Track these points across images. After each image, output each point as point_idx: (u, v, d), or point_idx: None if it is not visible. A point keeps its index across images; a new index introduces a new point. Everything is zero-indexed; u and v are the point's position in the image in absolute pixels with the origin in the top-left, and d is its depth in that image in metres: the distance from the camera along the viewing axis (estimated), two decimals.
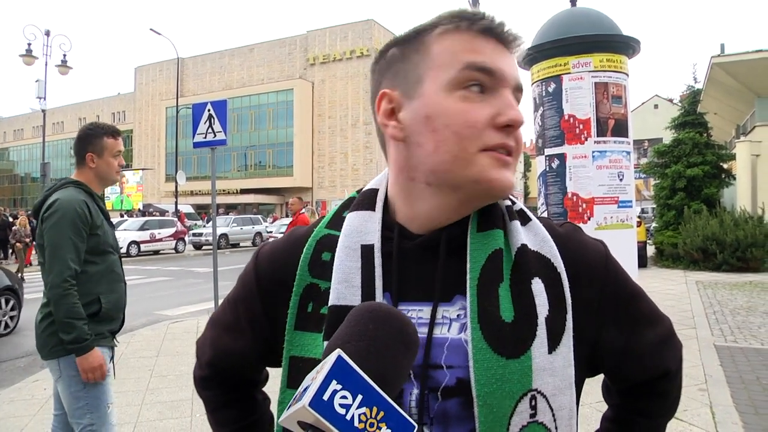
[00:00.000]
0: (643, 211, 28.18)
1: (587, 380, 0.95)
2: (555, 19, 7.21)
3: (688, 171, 16.38)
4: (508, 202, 0.92)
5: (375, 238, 0.87)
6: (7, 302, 8.98)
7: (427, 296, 0.84)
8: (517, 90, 0.85)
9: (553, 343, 0.80)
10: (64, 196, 2.65)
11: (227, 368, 1.02)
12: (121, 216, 35.92)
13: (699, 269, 13.89)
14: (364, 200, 0.93)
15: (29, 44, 19.73)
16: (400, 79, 0.87)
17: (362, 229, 0.89)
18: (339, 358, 0.60)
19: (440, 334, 0.82)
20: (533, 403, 0.78)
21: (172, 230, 26.75)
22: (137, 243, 24.61)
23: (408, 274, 0.86)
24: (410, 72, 0.86)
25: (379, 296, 0.84)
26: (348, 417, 0.58)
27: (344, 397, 0.59)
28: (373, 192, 0.94)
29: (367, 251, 0.86)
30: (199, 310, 10.31)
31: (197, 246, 28.02)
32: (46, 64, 20.97)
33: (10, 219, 22.43)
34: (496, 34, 0.83)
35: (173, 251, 26.63)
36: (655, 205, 18.88)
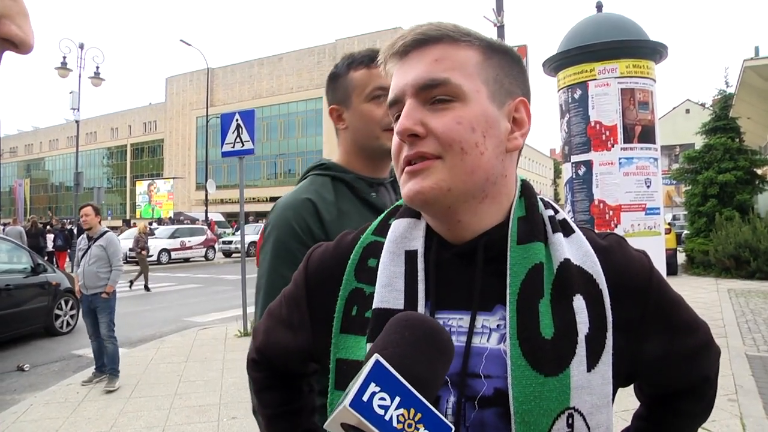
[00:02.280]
0: (674, 217, 27.68)
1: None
2: (581, 25, 7.18)
3: (719, 177, 16.05)
4: (551, 212, 0.91)
5: (419, 244, 0.90)
6: (67, 303, 9.70)
7: (467, 305, 0.85)
8: (420, 90, 0.84)
9: (592, 362, 0.80)
10: (284, 197, 1.61)
11: (274, 357, 1.06)
12: (150, 224, 36.55)
13: (731, 277, 13.54)
14: (410, 208, 0.94)
15: (64, 57, 20.25)
16: None
17: (407, 235, 0.91)
18: (377, 362, 0.63)
19: (479, 344, 0.83)
20: (570, 421, 0.78)
21: (202, 238, 27.09)
22: (168, 251, 24.99)
23: (447, 283, 0.87)
24: None
25: (421, 300, 0.85)
26: (387, 417, 0.61)
27: (383, 398, 0.61)
28: None
29: (410, 257, 0.89)
30: (228, 317, 10.43)
31: (227, 254, 28.33)
32: (80, 76, 21.48)
33: (47, 227, 22.98)
34: (399, 55, 0.88)
35: (203, 259, 26.97)
36: (686, 212, 18.54)
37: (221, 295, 14.38)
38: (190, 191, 59.40)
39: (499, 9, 7.24)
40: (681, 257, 16.73)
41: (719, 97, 18.68)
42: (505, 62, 0.89)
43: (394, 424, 0.61)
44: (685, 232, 18.27)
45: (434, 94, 0.83)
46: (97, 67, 21.35)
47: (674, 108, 47.96)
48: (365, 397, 0.61)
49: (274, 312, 1.07)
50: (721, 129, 17.51)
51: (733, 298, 10.53)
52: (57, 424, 4.96)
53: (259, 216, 45.49)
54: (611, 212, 6.53)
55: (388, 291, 0.86)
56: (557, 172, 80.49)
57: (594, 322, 0.82)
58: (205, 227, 29.58)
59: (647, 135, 6.65)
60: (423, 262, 0.88)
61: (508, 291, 0.83)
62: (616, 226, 6.48)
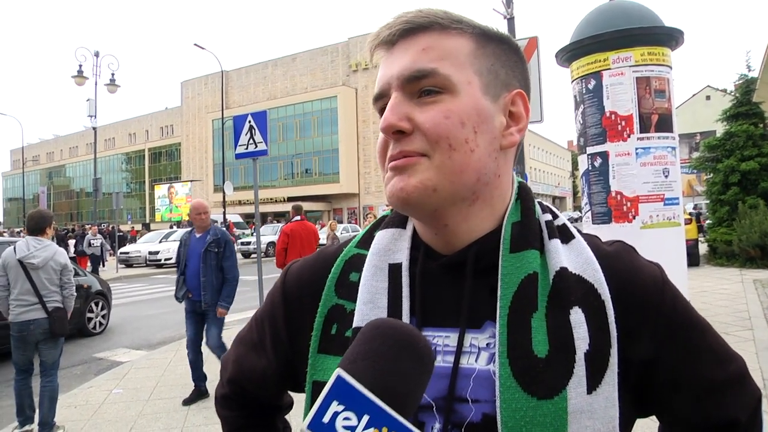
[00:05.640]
0: (695, 207, 27.27)
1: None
2: (593, 14, 7.06)
3: (742, 165, 15.73)
4: (549, 217, 0.84)
5: (403, 257, 0.83)
6: (99, 306, 10.21)
7: (455, 322, 0.78)
8: (406, 82, 0.77)
9: (594, 382, 0.72)
10: None
11: (248, 388, 0.99)
12: (171, 227, 36.88)
13: (756, 267, 13.27)
14: (395, 217, 0.88)
15: (80, 65, 20.53)
16: None
17: (391, 247, 0.85)
18: (338, 377, 0.57)
19: (467, 365, 0.76)
20: None
21: None
22: None
23: (434, 297, 0.80)
24: None
25: (405, 317, 0.79)
26: None
27: (347, 418, 0.55)
28: None
29: (394, 271, 0.82)
30: (246, 318, 10.45)
31: (245, 254, 28.48)
32: (96, 84, 21.76)
33: (67, 233, 23.27)
34: (386, 45, 0.81)
35: None
36: (707, 201, 18.21)
37: (239, 296, 14.31)
38: (208, 193, 59.76)
39: (509, 0, 7.15)
40: (703, 248, 16.48)
41: (741, 81, 18.26)
42: (502, 51, 0.81)
43: None
44: (707, 221, 17.98)
45: (421, 85, 0.76)
46: (113, 74, 21.60)
47: (694, 95, 47.09)
48: (326, 419, 0.55)
49: (244, 338, 1.00)
50: (743, 115, 17.13)
51: (759, 288, 10.31)
52: (78, 426, 5.02)
53: (278, 216, 45.72)
54: (629, 204, 6.42)
55: (369, 308, 0.80)
56: (575, 165, 79.81)
57: (595, 337, 0.74)
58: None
59: (664, 124, 6.52)
60: (408, 276, 0.81)
61: (498, 304, 0.75)
62: (634, 218, 6.37)
